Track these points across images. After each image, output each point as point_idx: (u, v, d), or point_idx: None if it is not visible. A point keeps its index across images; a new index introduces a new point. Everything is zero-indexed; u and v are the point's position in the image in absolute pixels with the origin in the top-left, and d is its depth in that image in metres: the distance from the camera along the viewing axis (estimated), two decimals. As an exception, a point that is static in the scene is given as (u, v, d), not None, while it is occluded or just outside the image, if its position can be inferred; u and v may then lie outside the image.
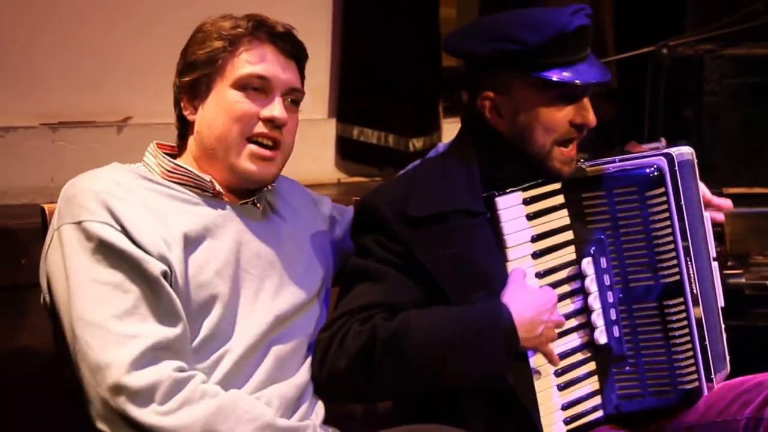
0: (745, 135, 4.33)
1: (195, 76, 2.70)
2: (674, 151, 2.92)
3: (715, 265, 3.08)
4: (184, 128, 2.76)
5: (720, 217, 3.15)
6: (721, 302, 3.07)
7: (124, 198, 2.56)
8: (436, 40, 5.05)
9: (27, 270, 3.52)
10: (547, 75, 2.75)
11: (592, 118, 2.82)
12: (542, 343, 2.75)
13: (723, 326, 3.06)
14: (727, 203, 3.15)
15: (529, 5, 5.32)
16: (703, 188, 3.07)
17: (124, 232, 2.51)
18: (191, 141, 2.75)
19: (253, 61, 2.69)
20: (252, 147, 2.69)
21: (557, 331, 2.79)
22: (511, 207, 2.79)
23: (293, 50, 2.77)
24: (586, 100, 2.83)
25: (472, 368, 2.66)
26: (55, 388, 2.77)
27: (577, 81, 2.76)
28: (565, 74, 2.75)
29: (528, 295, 2.73)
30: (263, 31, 2.72)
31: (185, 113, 2.73)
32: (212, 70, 2.69)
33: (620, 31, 5.38)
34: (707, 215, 3.08)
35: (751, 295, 3.78)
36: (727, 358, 3.04)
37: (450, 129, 5.03)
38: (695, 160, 3.04)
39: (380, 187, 2.97)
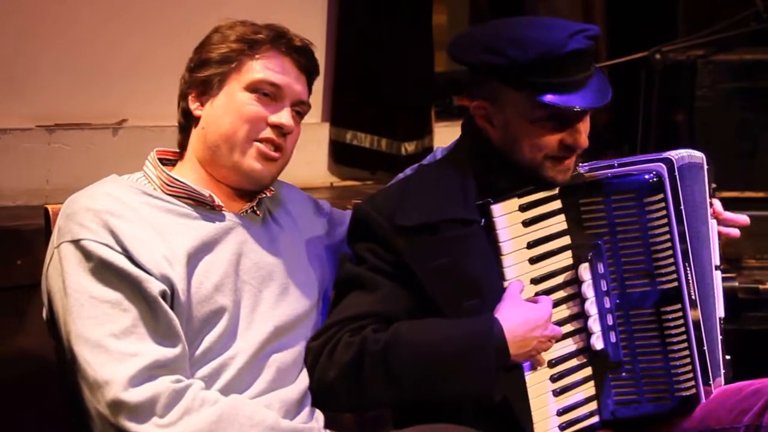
0: (737, 139, 4.36)
1: (209, 73, 2.72)
2: (675, 155, 2.90)
3: (716, 273, 3.07)
4: (188, 123, 2.77)
5: (734, 232, 3.11)
6: (720, 312, 3.06)
7: (126, 216, 2.56)
8: (428, 46, 5.06)
9: (23, 270, 3.52)
10: (536, 95, 2.71)
11: (582, 140, 2.78)
12: (533, 357, 2.75)
13: (721, 336, 3.04)
14: (742, 219, 3.11)
15: (517, 13, 5.35)
16: (717, 204, 3.08)
17: (125, 252, 2.51)
18: (194, 137, 2.76)
19: (271, 68, 2.73)
20: (258, 145, 2.71)
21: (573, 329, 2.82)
22: (506, 214, 2.78)
23: (307, 65, 2.81)
24: (579, 125, 2.78)
25: (461, 386, 2.67)
26: (52, 389, 2.77)
27: (569, 106, 2.72)
28: (556, 97, 2.71)
29: (522, 311, 2.71)
30: (283, 42, 2.76)
31: (192, 107, 2.74)
32: (227, 69, 2.72)
33: (613, 37, 5.39)
34: (713, 222, 3.07)
35: (745, 298, 3.78)
36: (722, 367, 3.02)
37: (442, 133, 5.06)
38: (705, 164, 3.04)
39: (375, 194, 2.94)
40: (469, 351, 2.66)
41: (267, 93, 2.72)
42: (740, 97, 4.37)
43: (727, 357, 3.05)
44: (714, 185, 3.10)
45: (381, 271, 2.75)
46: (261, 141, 2.71)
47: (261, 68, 2.72)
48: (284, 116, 2.72)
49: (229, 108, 2.71)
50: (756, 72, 4.36)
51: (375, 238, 2.77)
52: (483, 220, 2.77)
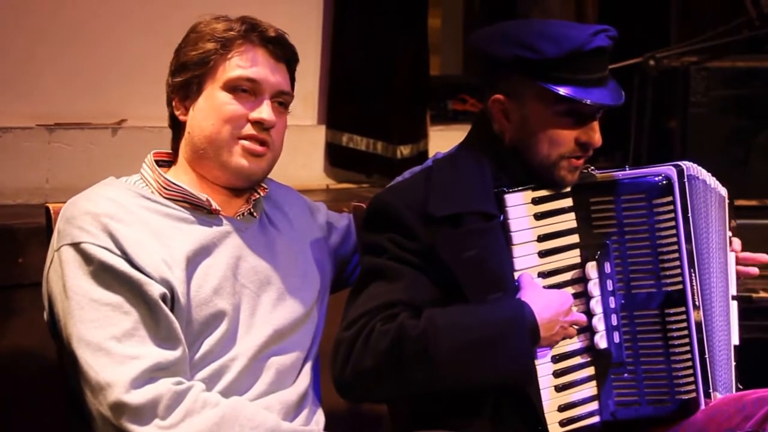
0: (730, 147, 4.38)
1: (187, 77, 2.71)
2: (686, 164, 2.94)
3: (733, 303, 3.10)
4: (177, 128, 2.77)
5: (753, 270, 3.17)
6: (735, 340, 3.08)
7: (125, 220, 2.57)
8: (424, 49, 5.05)
9: (24, 269, 3.52)
10: (556, 88, 2.74)
11: (597, 138, 2.82)
12: (556, 342, 2.79)
13: (735, 363, 3.06)
14: (762, 257, 3.18)
15: (510, 16, 5.37)
16: (736, 243, 3.14)
17: (125, 256, 2.51)
18: (183, 142, 2.75)
19: (244, 64, 2.71)
20: (244, 143, 2.70)
21: (577, 329, 2.83)
22: (519, 205, 2.80)
23: (284, 54, 2.78)
24: (594, 123, 2.82)
25: (501, 366, 2.68)
26: (51, 388, 2.78)
27: (585, 100, 2.75)
28: (576, 92, 2.74)
29: (544, 296, 2.74)
30: (255, 34, 2.73)
31: (177, 113, 2.74)
32: (204, 71, 2.70)
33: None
34: (732, 255, 3.11)
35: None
36: (731, 389, 3.03)
37: (437, 137, 5.06)
38: (727, 198, 3.10)
39: (394, 185, 2.93)
40: (506, 334, 2.67)
41: (245, 89, 2.70)
42: (733, 104, 4.40)
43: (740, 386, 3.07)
44: (734, 223, 3.15)
45: (403, 261, 2.74)
46: (245, 138, 2.70)
47: (235, 65, 2.70)
48: (264, 111, 2.71)
49: (209, 110, 2.70)
50: (749, 79, 4.39)
51: (397, 228, 2.75)
52: (501, 215, 2.79)
